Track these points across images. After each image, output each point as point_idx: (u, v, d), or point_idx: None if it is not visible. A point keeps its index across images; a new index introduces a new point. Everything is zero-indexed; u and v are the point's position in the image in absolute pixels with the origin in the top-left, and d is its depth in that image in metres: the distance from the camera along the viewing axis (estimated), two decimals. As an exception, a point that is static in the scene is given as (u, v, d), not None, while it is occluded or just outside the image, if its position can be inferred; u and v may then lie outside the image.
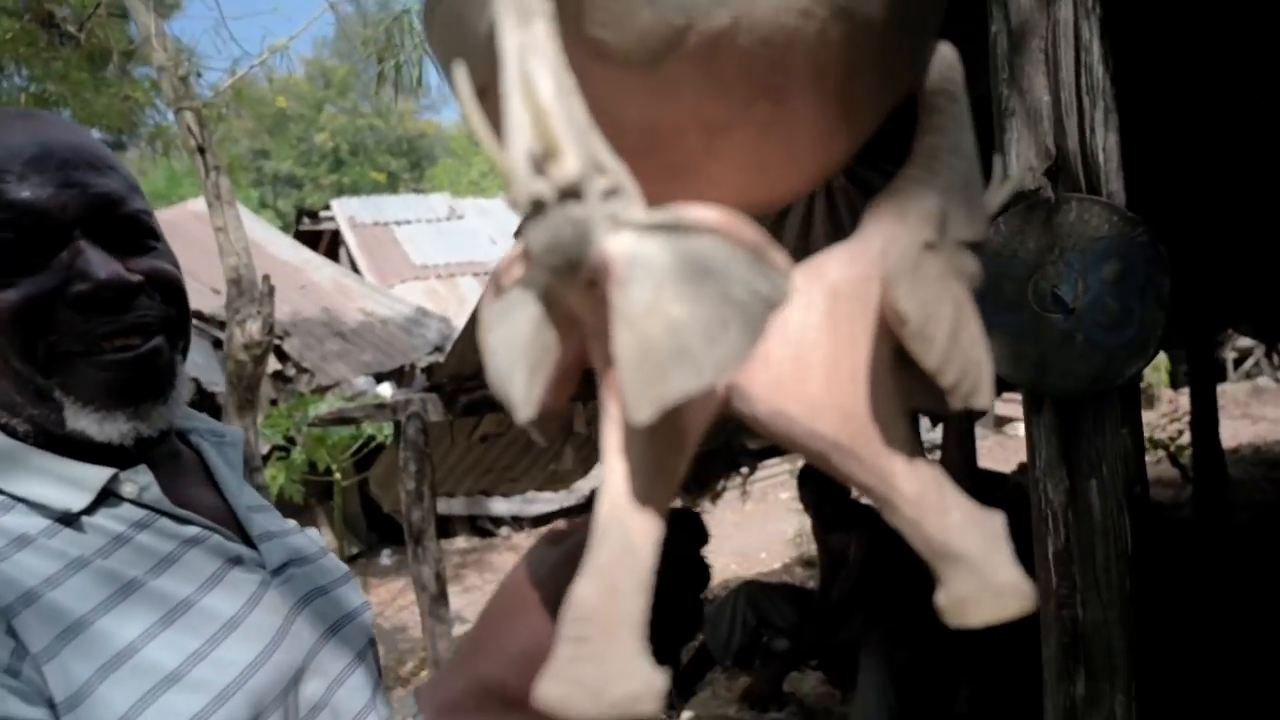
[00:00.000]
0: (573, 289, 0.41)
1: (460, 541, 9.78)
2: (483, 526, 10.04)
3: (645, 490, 0.42)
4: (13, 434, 0.76)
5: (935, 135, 0.50)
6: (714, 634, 4.37)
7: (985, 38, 1.44)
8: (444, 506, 6.40)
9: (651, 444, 0.43)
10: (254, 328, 3.60)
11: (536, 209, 0.38)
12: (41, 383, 0.74)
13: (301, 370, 7.49)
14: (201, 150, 3.72)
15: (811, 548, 5.54)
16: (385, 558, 9.15)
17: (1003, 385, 1.63)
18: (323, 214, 14.59)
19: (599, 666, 0.38)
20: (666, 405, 0.37)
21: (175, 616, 0.74)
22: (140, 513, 0.78)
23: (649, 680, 0.38)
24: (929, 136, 0.50)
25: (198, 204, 9.47)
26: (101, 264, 0.74)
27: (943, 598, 0.44)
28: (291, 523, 1.00)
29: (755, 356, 0.48)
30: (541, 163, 0.38)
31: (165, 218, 9.36)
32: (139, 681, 0.68)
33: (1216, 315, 5.98)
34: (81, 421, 0.75)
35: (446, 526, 9.22)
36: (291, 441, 6.40)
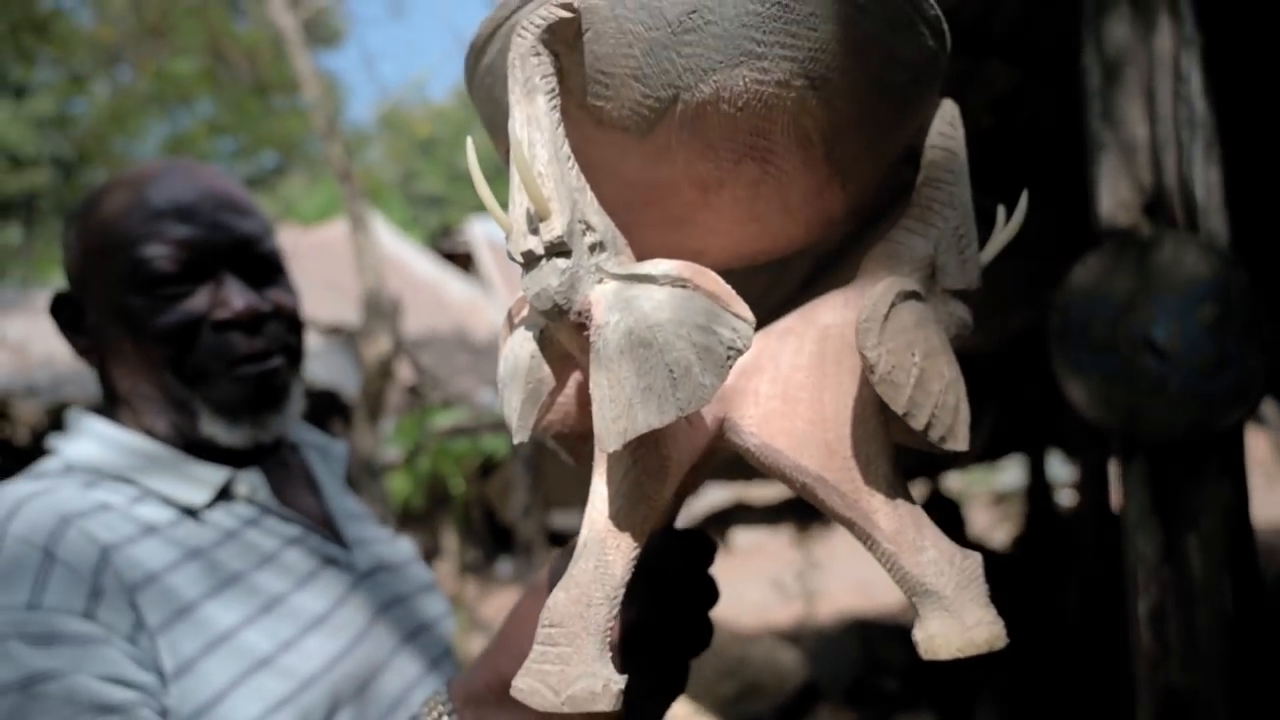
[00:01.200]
0: (564, 330, 0.46)
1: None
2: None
3: (624, 513, 0.47)
4: (152, 434, 0.89)
5: (931, 188, 0.53)
6: (822, 668, 4.29)
7: (1077, 70, 1.39)
8: (561, 520, 6.56)
9: (633, 472, 0.47)
10: (383, 343, 3.84)
11: (530, 261, 0.44)
12: (184, 393, 0.88)
13: (432, 383, 7.88)
14: (345, 178, 4.02)
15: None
16: (504, 566, 9.43)
17: (1096, 428, 1.55)
18: (460, 233, 15.31)
19: (564, 666, 0.43)
20: (632, 437, 0.42)
21: (272, 607, 0.84)
22: (251, 511, 0.90)
23: (607, 681, 0.43)
24: (925, 189, 0.53)
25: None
26: (240, 294, 0.88)
27: (918, 632, 0.47)
28: (385, 530, 1.10)
29: (747, 393, 0.52)
30: (535, 222, 0.43)
31: (319, 236, 10.08)
32: (236, 662, 0.78)
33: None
34: (212, 428, 0.89)
35: (562, 539, 9.41)
36: (419, 450, 6.73)
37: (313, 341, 7.06)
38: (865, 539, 0.50)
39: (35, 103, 13.42)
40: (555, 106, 0.44)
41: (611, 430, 0.43)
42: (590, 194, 0.45)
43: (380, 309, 3.91)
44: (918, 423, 0.46)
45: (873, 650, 4.34)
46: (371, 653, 0.89)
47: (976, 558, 0.49)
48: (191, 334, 0.87)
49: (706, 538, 0.60)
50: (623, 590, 0.46)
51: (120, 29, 6.62)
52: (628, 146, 0.48)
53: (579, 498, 0.49)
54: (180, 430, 0.89)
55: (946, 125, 0.54)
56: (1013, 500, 7.63)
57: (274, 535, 0.90)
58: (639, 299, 0.43)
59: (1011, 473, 8.62)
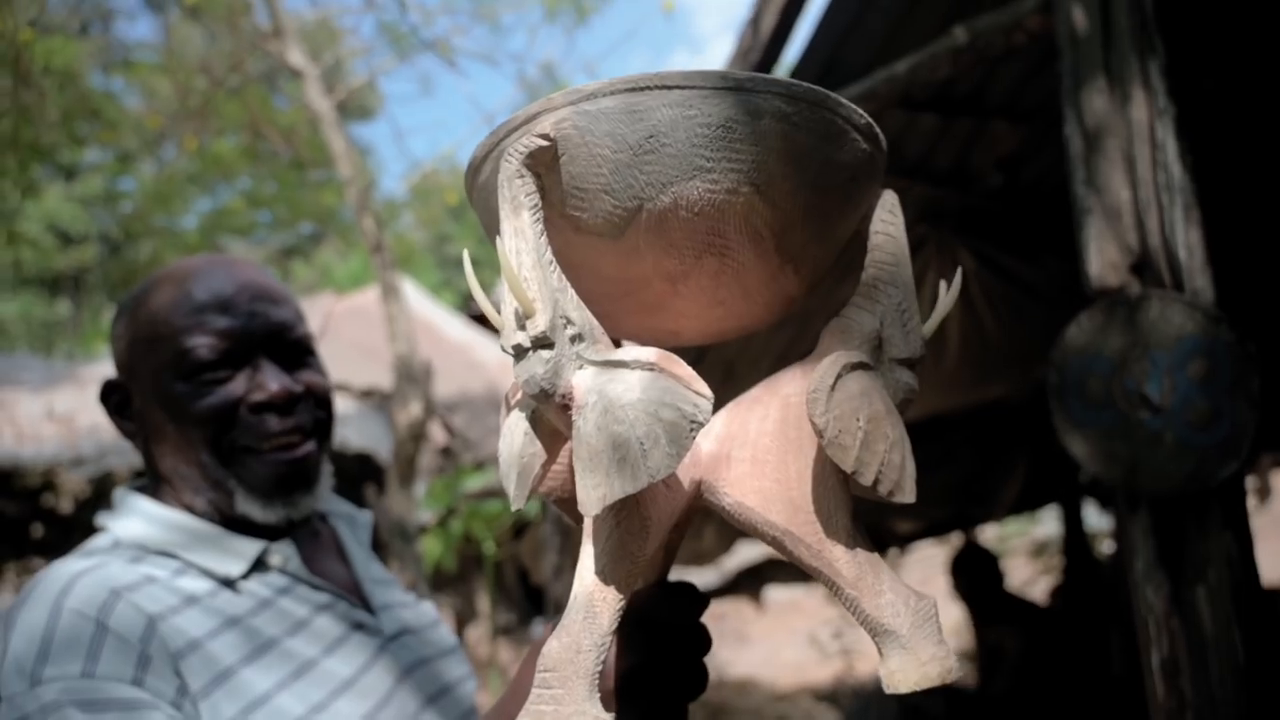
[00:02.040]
0: (551, 410, 0.53)
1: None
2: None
3: (609, 569, 0.54)
4: (192, 511, 0.97)
5: (876, 269, 0.60)
6: (859, 723, 4.21)
7: (1059, 137, 1.46)
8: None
9: (617, 532, 0.55)
10: (415, 408, 3.94)
11: (520, 353, 0.52)
12: (220, 474, 0.96)
13: (464, 445, 7.97)
14: (377, 250, 4.18)
15: (969, 640, 5.25)
16: (538, 628, 9.37)
17: (1101, 486, 1.56)
18: (493, 294, 15.51)
19: (557, 705, 0.50)
20: (610, 502, 0.49)
21: (304, 672, 0.90)
22: (284, 580, 0.97)
23: (596, 718, 0.49)
24: (871, 270, 0.60)
25: (382, 290, 10.39)
26: (275, 377, 0.97)
27: (880, 668, 0.54)
28: (410, 595, 1.16)
29: (721, 457, 0.59)
30: (522, 319, 0.51)
31: (353, 302, 10.33)
32: None
33: None
34: (248, 506, 0.96)
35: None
36: (452, 512, 6.80)
37: (347, 406, 7.21)
38: (830, 585, 0.56)
39: (84, 183, 14.03)
40: (538, 219, 0.52)
41: (592, 496, 0.49)
42: (570, 292, 0.53)
43: (412, 375, 4.02)
44: (866, 479, 0.52)
45: (911, 708, 4.25)
46: (397, 715, 0.95)
47: (931, 599, 0.55)
48: (230, 415, 0.95)
49: (696, 590, 0.66)
50: (610, 638, 0.52)
51: (166, 112, 6.97)
52: (603, 248, 0.55)
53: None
54: (218, 507, 0.96)
55: (887, 213, 0.61)
56: (1052, 551, 7.48)
57: (305, 603, 0.96)
58: (612, 383, 0.50)
59: (1050, 523, 8.47)
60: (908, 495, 0.53)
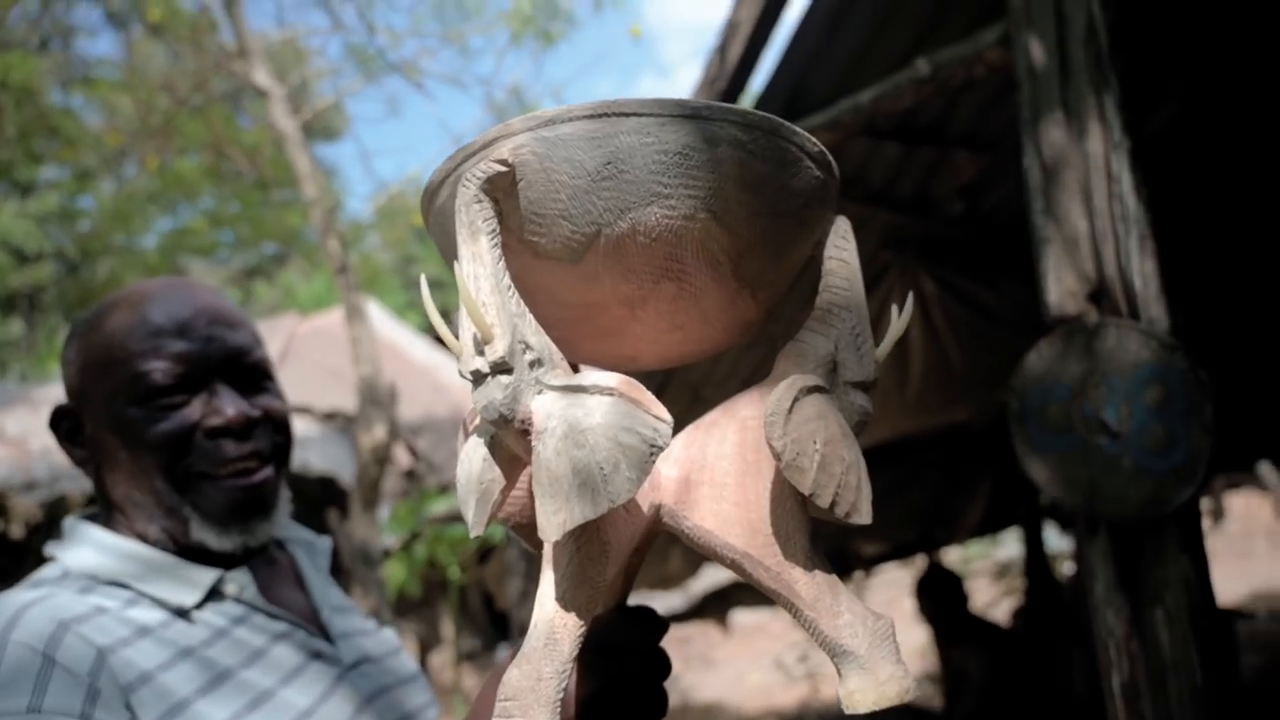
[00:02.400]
0: (510, 436, 0.53)
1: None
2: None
3: (570, 595, 0.53)
4: (145, 539, 0.94)
5: (830, 294, 0.61)
6: (824, 751, 4.21)
7: (1019, 167, 1.49)
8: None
9: (577, 558, 0.54)
10: (379, 431, 3.89)
11: (478, 379, 0.52)
12: (175, 500, 0.93)
13: (429, 468, 7.89)
14: (341, 271, 4.14)
15: (934, 662, 5.28)
16: (503, 653, 9.23)
17: (1062, 510, 1.59)
18: (458, 317, 15.43)
19: None
20: (571, 528, 0.49)
21: (260, 702, 0.88)
22: (239, 609, 0.95)
23: None
24: (825, 294, 0.61)
25: (347, 311, 10.28)
26: (232, 402, 0.95)
27: (840, 689, 0.54)
28: (370, 623, 1.14)
29: (679, 481, 0.59)
30: (480, 345, 0.51)
31: (317, 323, 10.21)
32: None
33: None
34: (203, 534, 0.94)
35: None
36: (416, 537, 6.71)
37: (310, 429, 7.10)
38: (789, 607, 0.56)
39: (40, 200, 13.76)
40: (496, 244, 0.52)
41: (553, 522, 0.49)
42: (529, 317, 0.53)
43: (376, 397, 3.98)
44: (823, 501, 0.53)
45: (877, 732, 4.24)
46: None
47: (888, 619, 0.55)
48: (186, 441, 0.93)
49: (655, 614, 0.66)
50: (571, 665, 0.52)
51: (127, 130, 6.87)
52: (561, 273, 0.55)
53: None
54: (172, 535, 0.94)
55: (840, 239, 0.61)
56: (1014, 573, 7.57)
57: (262, 632, 0.94)
58: (572, 408, 0.50)
59: (1011, 545, 8.57)
60: (864, 517, 0.54)
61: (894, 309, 0.62)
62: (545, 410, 0.51)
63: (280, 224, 8.28)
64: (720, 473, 0.57)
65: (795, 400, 0.53)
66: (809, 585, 0.54)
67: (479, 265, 0.51)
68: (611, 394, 0.50)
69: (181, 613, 0.90)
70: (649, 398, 0.51)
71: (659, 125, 0.51)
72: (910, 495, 4.79)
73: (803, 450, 0.51)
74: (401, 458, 7.61)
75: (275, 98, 4.33)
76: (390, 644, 1.11)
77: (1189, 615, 1.36)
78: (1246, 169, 2.29)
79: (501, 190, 0.52)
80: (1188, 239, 1.98)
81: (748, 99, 2.51)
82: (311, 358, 8.75)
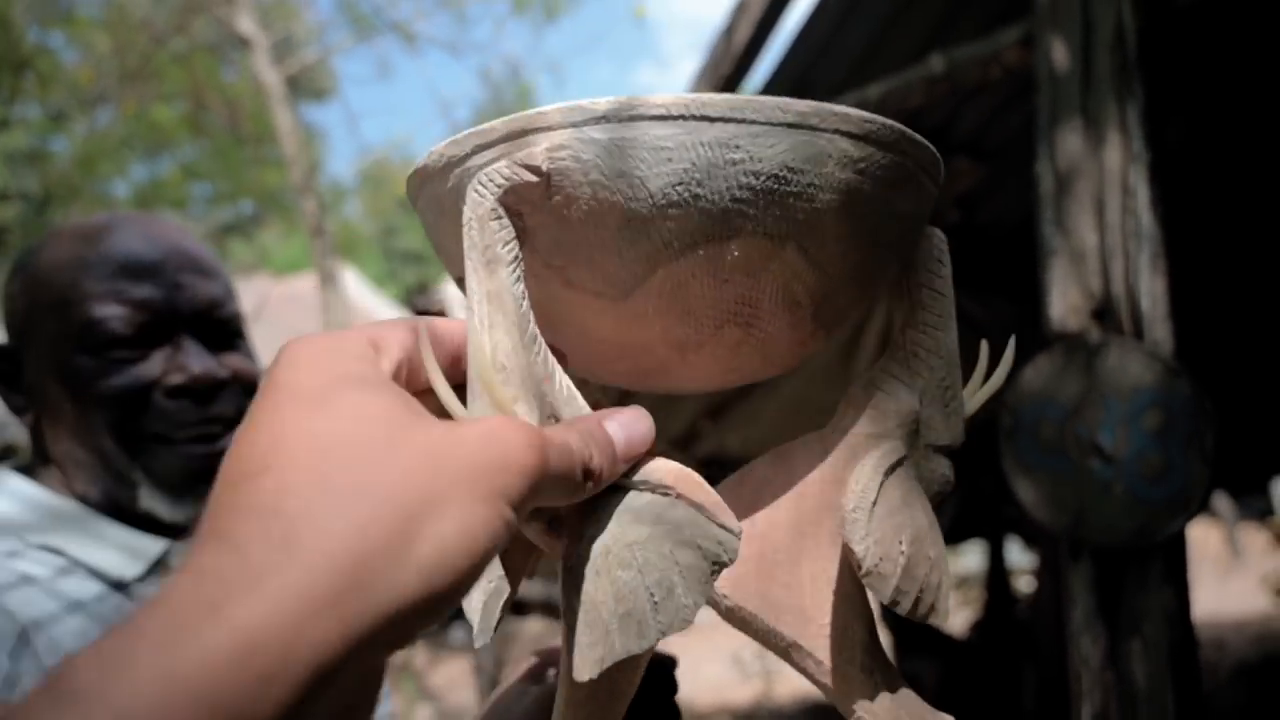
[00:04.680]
0: (532, 530, 0.42)
1: (534, 624, 9.72)
2: (559, 610, 9.95)
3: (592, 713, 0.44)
4: (85, 501, 0.84)
5: (917, 332, 0.49)
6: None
7: (1020, 179, 1.44)
8: (522, 588, 6.38)
9: (601, 688, 0.44)
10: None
11: None
12: (124, 463, 0.83)
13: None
14: (317, 234, 4.02)
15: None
16: (457, 633, 9.18)
17: (1029, 526, 1.55)
18: (436, 291, 15.32)
19: None
20: (609, 664, 0.38)
21: None
22: None
23: None
24: (911, 332, 0.48)
25: (322, 276, 10.11)
26: (198, 359, 0.84)
27: None
28: None
29: None
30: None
31: (291, 286, 10.03)
32: None
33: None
34: (153, 503, 0.83)
35: (521, 608, 9.19)
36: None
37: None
38: (841, 704, 0.47)
39: (10, 137, 13.36)
40: (519, 277, 0.39)
41: (588, 659, 0.39)
42: (560, 379, 0.40)
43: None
44: (902, 609, 0.42)
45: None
46: None
47: None
48: (142, 399, 0.82)
49: (670, 670, 0.58)
50: None
51: (103, 71, 6.66)
52: (599, 309, 0.44)
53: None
54: (116, 501, 0.84)
55: (935, 262, 0.48)
56: (973, 585, 7.62)
57: None
58: (617, 510, 0.39)
59: (973, 557, 8.62)
60: (941, 617, 0.45)
61: (983, 346, 0.51)
62: (581, 508, 0.40)
63: (259, 182, 8.09)
64: (771, 547, 0.48)
65: (880, 488, 0.44)
66: (865, 684, 0.45)
67: (497, 310, 0.39)
68: (668, 494, 0.39)
69: (120, 586, 0.81)
70: (713, 499, 0.40)
71: (751, 137, 0.39)
72: (876, 502, 4.77)
73: (886, 554, 0.43)
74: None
75: (259, 48, 4.19)
76: None
77: (1168, 647, 1.32)
78: (1255, 186, 2.26)
79: (529, 203, 0.40)
80: (1195, 257, 1.95)
81: (749, 88, 2.44)
82: (284, 321, 8.58)
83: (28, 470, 0.88)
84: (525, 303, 0.40)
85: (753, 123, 0.39)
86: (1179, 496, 1.25)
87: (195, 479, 0.85)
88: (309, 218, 4.04)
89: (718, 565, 0.39)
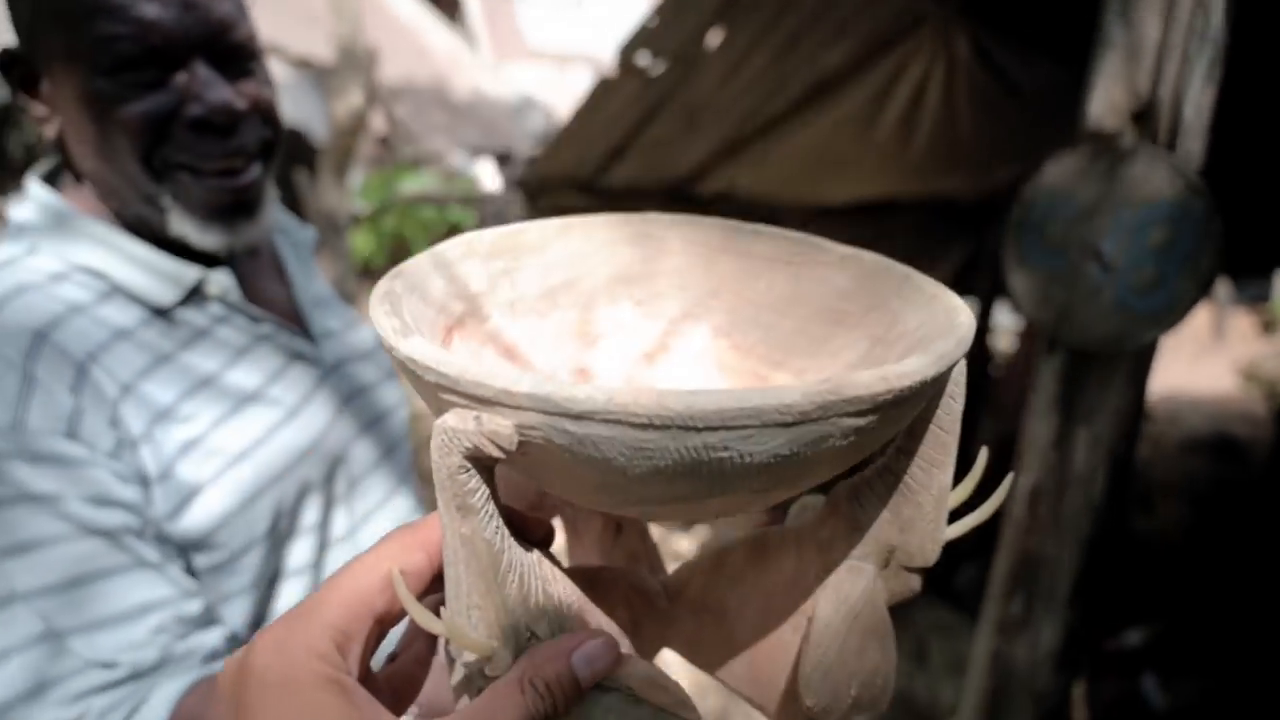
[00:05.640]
0: None
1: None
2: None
3: None
4: (120, 218, 0.86)
5: (914, 463, 0.46)
6: None
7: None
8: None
9: None
10: (355, 98, 3.68)
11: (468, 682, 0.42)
12: (152, 189, 0.84)
13: (405, 137, 7.62)
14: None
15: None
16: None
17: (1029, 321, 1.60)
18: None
19: None
20: None
21: (243, 406, 0.86)
22: (222, 309, 0.90)
23: None
24: (906, 459, 0.46)
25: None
26: (215, 88, 0.82)
27: None
28: (353, 313, 1.11)
29: (687, 609, 0.52)
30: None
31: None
32: (212, 460, 0.82)
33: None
34: (184, 227, 0.85)
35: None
36: (386, 209, 6.63)
37: (280, 73, 6.69)
38: None
39: None
40: (491, 518, 0.39)
41: None
42: (534, 594, 0.41)
43: (355, 60, 3.69)
44: None
45: None
46: (336, 443, 0.94)
47: None
48: (163, 129, 0.82)
49: None
50: None
51: None
52: (591, 513, 0.48)
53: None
54: (148, 224, 0.86)
55: (948, 398, 0.44)
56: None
57: (244, 333, 0.90)
58: (591, 708, 0.41)
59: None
60: (880, 709, 0.48)
61: (983, 451, 0.48)
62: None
63: None
64: (740, 633, 0.50)
65: (841, 640, 0.45)
66: None
67: (471, 555, 0.39)
68: (633, 695, 0.41)
69: (160, 312, 0.85)
70: (677, 698, 0.42)
71: (743, 439, 0.36)
72: (880, 252, 4.81)
73: (833, 704, 0.45)
74: (377, 122, 7.31)
75: None
76: (369, 341, 1.09)
77: (1109, 441, 1.44)
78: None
79: (503, 451, 0.38)
80: (1249, 74, 1.82)
81: None
82: (286, -8, 8.01)
83: (54, 182, 0.90)
84: (499, 540, 0.40)
85: (747, 428, 0.35)
86: (1162, 311, 1.29)
87: (222, 211, 0.87)
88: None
89: None
